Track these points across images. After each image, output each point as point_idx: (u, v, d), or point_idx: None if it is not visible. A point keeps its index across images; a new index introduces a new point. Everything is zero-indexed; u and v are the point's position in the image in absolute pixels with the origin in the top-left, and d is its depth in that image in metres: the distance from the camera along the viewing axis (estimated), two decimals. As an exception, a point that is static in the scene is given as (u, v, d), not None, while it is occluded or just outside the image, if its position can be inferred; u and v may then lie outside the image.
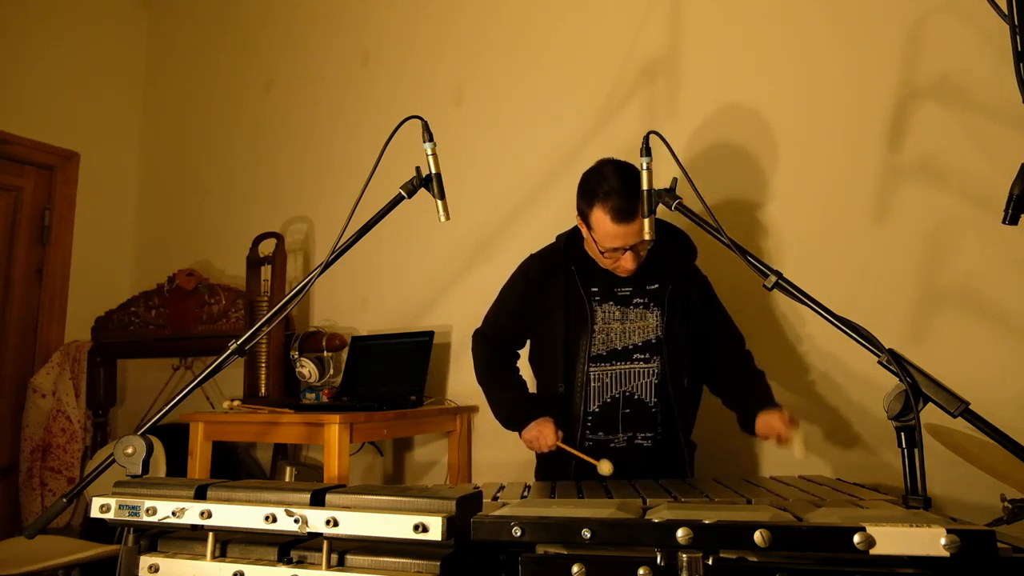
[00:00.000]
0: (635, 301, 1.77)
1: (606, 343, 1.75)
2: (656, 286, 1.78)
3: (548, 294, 1.80)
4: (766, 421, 1.63)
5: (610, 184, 1.61)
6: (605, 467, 1.60)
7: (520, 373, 1.97)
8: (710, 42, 2.34)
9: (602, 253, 1.68)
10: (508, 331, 1.94)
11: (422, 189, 1.42)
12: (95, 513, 0.98)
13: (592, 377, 1.75)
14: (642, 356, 1.75)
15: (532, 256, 1.92)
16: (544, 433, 1.71)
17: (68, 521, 3.02)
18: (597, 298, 1.77)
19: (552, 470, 1.78)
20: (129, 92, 3.80)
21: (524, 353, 2.01)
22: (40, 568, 2.16)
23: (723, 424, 1.86)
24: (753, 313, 2.18)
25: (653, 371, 1.75)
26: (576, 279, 1.76)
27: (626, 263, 1.67)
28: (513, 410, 1.84)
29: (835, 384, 2.03)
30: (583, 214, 1.69)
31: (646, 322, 1.76)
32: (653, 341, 1.76)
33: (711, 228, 1.28)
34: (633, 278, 1.77)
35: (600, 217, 1.62)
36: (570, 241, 1.84)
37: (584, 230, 1.72)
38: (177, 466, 2.51)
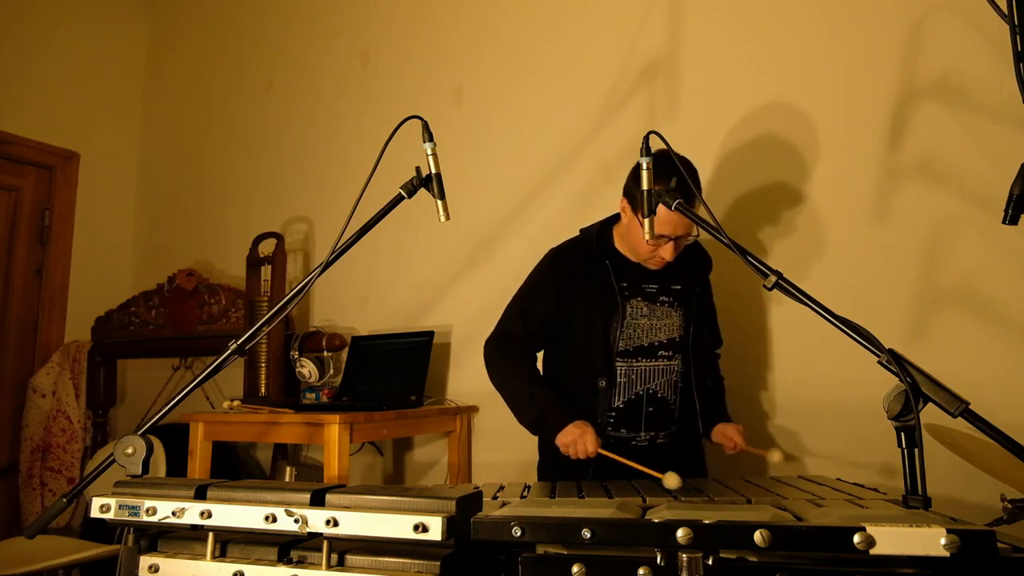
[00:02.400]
0: (661, 299, 1.79)
1: (632, 339, 1.75)
2: (679, 287, 1.81)
3: (579, 286, 1.77)
4: (722, 431, 1.79)
5: (668, 171, 1.54)
6: (672, 480, 1.37)
7: (540, 373, 1.88)
8: (710, 42, 2.34)
9: (647, 239, 1.64)
10: (534, 327, 1.82)
11: (422, 189, 1.42)
12: (95, 513, 0.98)
13: (619, 372, 1.74)
14: (666, 353, 1.78)
15: (555, 250, 1.86)
16: (585, 439, 1.60)
17: (68, 521, 3.02)
18: (626, 293, 1.76)
19: (563, 469, 1.71)
20: (129, 92, 3.80)
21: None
22: (40, 568, 2.16)
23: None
24: (752, 312, 2.18)
25: (674, 369, 1.79)
26: (610, 272, 1.75)
27: (665, 253, 1.67)
28: (544, 411, 1.71)
29: (835, 384, 2.02)
30: (632, 197, 1.65)
31: (671, 320, 1.79)
32: (677, 339, 1.79)
33: (711, 228, 1.28)
34: (659, 277, 1.78)
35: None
36: (601, 234, 1.81)
37: (629, 217, 1.69)
38: (177, 466, 2.51)
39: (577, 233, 1.89)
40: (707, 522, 0.74)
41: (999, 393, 1.67)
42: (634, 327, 1.75)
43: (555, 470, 1.77)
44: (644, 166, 1.35)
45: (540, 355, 1.95)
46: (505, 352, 1.83)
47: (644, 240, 1.63)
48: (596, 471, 1.68)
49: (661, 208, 1.56)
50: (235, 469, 2.97)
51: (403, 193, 1.42)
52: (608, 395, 1.73)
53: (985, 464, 1.30)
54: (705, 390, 1.84)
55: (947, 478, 1.55)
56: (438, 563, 0.84)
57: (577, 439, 1.61)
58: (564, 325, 1.80)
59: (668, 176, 1.53)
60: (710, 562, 0.73)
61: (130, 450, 1.13)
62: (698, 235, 1.69)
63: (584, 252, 1.80)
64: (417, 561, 0.85)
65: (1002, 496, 1.21)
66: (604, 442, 1.66)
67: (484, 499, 1.08)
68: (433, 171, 1.42)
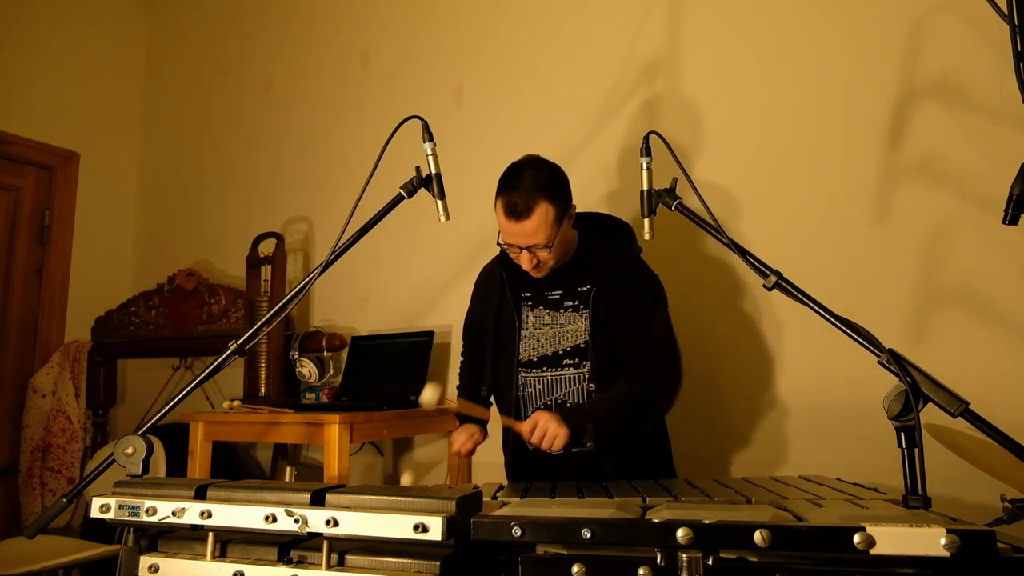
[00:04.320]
0: (565, 304, 1.72)
1: (536, 349, 1.73)
2: (586, 287, 1.70)
3: (487, 302, 1.82)
4: (534, 414, 1.54)
5: (515, 180, 1.59)
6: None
7: (474, 379, 1.93)
8: (710, 42, 2.34)
9: (502, 247, 1.68)
10: (470, 339, 1.97)
11: (422, 189, 1.42)
12: (95, 513, 0.98)
13: (525, 383, 1.73)
14: (571, 361, 1.70)
15: (485, 266, 1.94)
16: (458, 438, 1.78)
17: (68, 521, 3.02)
18: (529, 303, 1.76)
19: (513, 473, 1.83)
20: (129, 92, 3.80)
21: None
22: (40, 568, 2.16)
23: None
24: (752, 312, 2.18)
25: (584, 376, 1.68)
26: (506, 285, 1.76)
27: (522, 262, 1.64)
28: (458, 415, 1.88)
29: (835, 384, 2.02)
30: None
31: (575, 326, 1.70)
32: (581, 346, 1.68)
33: (711, 228, 1.28)
34: (565, 281, 1.72)
35: (498, 209, 1.61)
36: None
37: None
38: (177, 466, 2.51)
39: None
40: (707, 522, 0.74)
41: (999, 393, 1.67)
42: (538, 337, 1.73)
43: (517, 470, 1.83)
44: (644, 166, 1.35)
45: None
46: (462, 363, 1.99)
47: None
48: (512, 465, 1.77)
49: (501, 216, 1.60)
50: (235, 469, 2.97)
51: (403, 193, 1.42)
52: (512, 406, 1.73)
53: (985, 464, 1.30)
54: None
55: (947, 478, 1.55)
56: (438, 563, 0.84)
57: (453, 440, 1.80)
58: (483, 338, 1.86)
59: (503, 184, 1.59)
60: (710, 562, 0.74)
61: (130, 450, 1.13)
62: (551, 245, 1.59)
63: (493, 267, 1.85)
64: (417, 561, 0.85)
65: (1002, 496, 1.21)
66: (523, 451, 1.72)
67: (484, 499, 1.08)
68: (433, 171, 1.42)
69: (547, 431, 1.49)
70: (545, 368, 1.71)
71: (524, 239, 1.58)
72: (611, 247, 1.73)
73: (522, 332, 1.73)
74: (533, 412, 1.65)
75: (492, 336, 1.77)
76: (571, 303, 1.71)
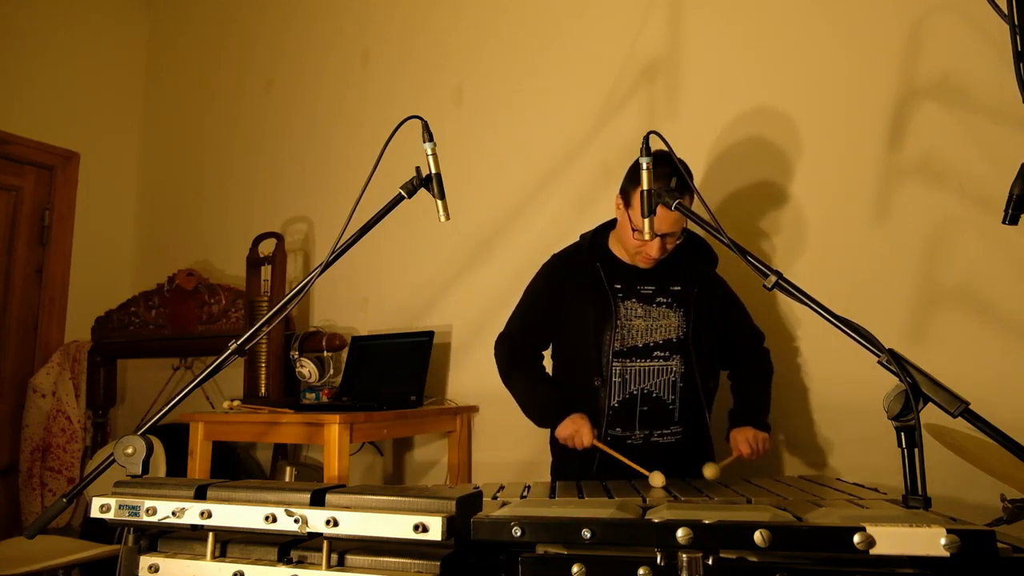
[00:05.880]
0: (658, 300, 1.81)
1: (627, 339, 1.78)
2: (679, 288, 1.82)
3: (574, 289, 1.84)
4: (734, 436, 1.77)
5: (666, 170, 1.59)
6: (657, 479, 1.51)
7: (545, 369, 1.96)
8: (710, 42, 2.34)
9: (634, 232, 1.71)
10: (533, 329, 1.93)
11: (422, 189, 1.42)
12: (95, 513, 0.98)
13: (613, 372, 1.77)
14: (662, 354, 1.78)
15: (555, 255, 1.96)
16: (582, 431, 1.70)
17: (68, 521, 3.02)
18: (620, 295, 1.80)
19: (573, 468, 1.78)
20: (129, 92, 3.80)
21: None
22: (40, 568, 2.16)
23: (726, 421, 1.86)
24: (752, 312, 2.18)
25: (672, 369, 1.78)
26: (601, 275, 1.80)
27: (651, 250, 1.71)
28: (545, 407, 1.83)
29: (835, 384, 2.02)
30: (626, 193, 1.73)
31: (668, 321, 1.80)
32: (675, 340, 1.79)
33: (711, 228, 1.28)
34: (656, 278, 1.81)
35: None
36: (595, 239, 1.88)
37: (620, 213, 1.77)
38: (177, 466, 2.51)
39: (578, 236, 1.94)
40: (707, 522, 0.74)
41: (999, 393, 1.67)
42: (628, 328, 1.78)
43: (567, 469, 1.82)
44: (644, 166, 1.35)
45: (548, 353, 2.00)
46: (509, 351, 1.94)
47: (632, 237, 1.72)
48: (601, 469, 1.72)
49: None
50: (235, 469, 2.97)
51: (403, 193, 1.42)
52: (604, 394, 1.76)
53: (985, 464, 1.31)
54: (710, 392, 1.84)
55: (947, 478, 1.55)
56: (438, 563, 0.84)
57: (574, 432, 1.72)
58: (560, 327, 1.89)
59: (667, 175, 1.58)
60: (710, 562, 0.73)
61: (130, 450, 1.13)
62: (683, 236, 1.72)
63: (580, 256, 1.88)
64: (417, 561, 0.85)
65: (1002, 496, 1.21)
66: (602, 439, 1.73)
67: (484, 499, 1.08)
68: (433, 171, 1.41)
69: (759, 442, 1.74)
70: (634, 358, 1.78)
71: (668, 226, 1.66)
72: (693, 254, 1.87)
73: (616, 322, 1.77)
74: (624, 399, 1.76)
75: (592, 324, 1.79)
76: (664, 300, 1.81)
